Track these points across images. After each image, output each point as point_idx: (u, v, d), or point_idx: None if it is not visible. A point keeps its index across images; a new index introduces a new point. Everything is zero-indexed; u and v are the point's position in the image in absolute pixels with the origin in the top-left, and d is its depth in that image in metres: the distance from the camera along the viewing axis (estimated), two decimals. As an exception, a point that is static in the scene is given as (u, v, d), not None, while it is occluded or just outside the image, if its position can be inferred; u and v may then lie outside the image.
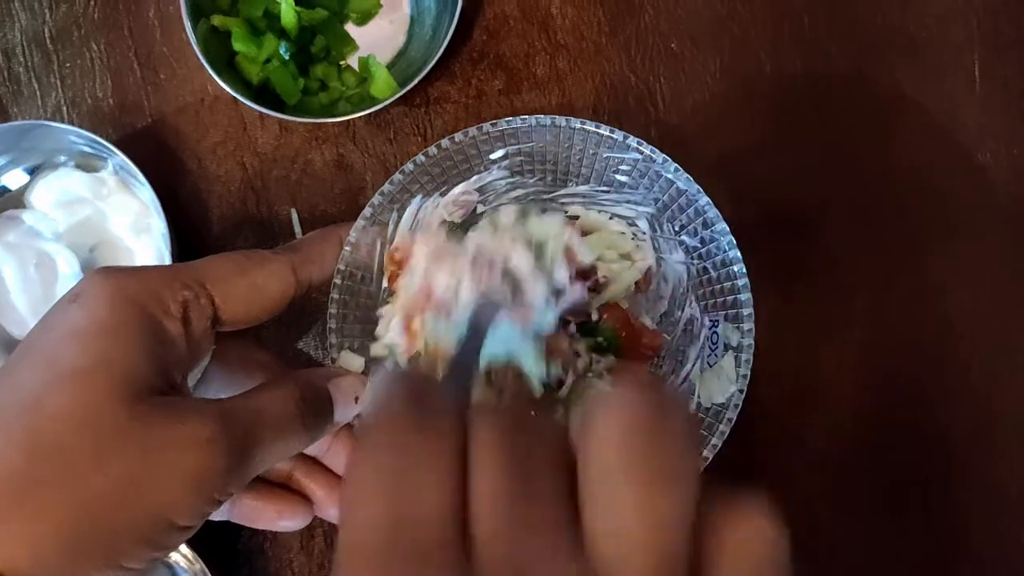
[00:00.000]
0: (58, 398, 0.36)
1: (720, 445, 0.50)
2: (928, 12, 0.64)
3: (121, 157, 0.56)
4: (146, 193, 0.57)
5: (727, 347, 0.51)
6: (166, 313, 0.41)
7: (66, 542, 0.35)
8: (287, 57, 0.60)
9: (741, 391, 0.50)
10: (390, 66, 0.62)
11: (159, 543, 0.37)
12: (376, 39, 0.63)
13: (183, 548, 0.58)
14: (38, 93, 0.63)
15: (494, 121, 0.50)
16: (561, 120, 0.50)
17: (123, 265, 0.59)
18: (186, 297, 0.42)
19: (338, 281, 0.50)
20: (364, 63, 0.61)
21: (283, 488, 0.50)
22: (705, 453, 0.50)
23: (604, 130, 0.50)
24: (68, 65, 0.63)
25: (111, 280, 0.40)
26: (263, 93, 0.60)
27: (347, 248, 0.50)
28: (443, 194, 0.53)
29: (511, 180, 0.54)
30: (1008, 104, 0.63)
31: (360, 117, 0.60)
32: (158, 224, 0.58)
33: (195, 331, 0.43)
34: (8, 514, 0.34)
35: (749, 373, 0.50)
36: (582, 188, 0.54)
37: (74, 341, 0.38)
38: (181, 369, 0.42)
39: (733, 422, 0.50)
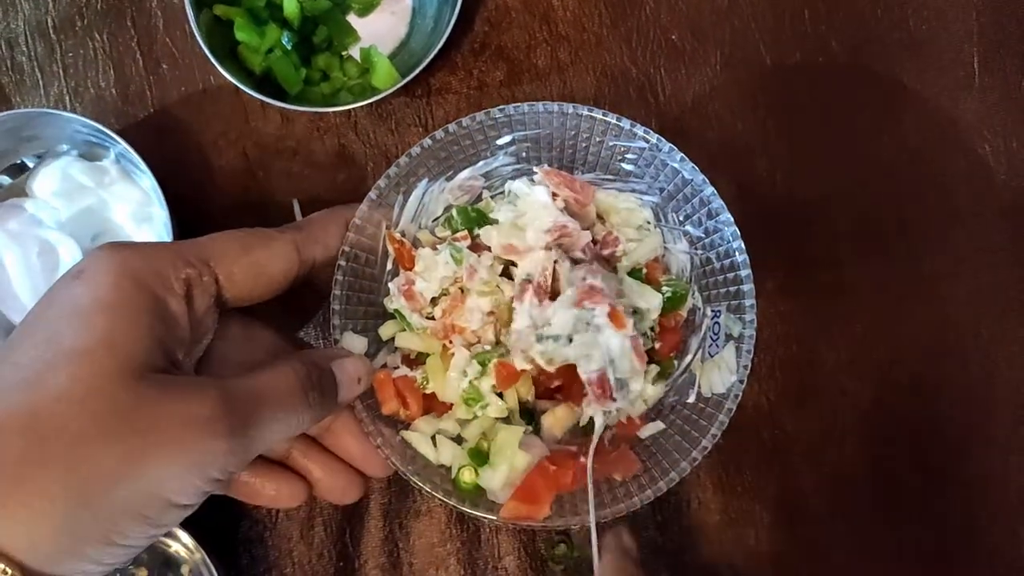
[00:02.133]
0: (59, 377, 0.36)
1: (719, 435, 0.50)
2: (928, 6, 0.64)
3: (123, 146, 0.56)
4: (148, 182, 0.57)
5: (728, 337, 0.51)
6: (169, 290, 0.41)
7: (63, 522, 0.35)
8: (289, 47, 0.60)
9: (742, 381, 0.50)
10: (391, 57, 0.62)
11: (157, 521, 0.37)
12: (378, 30, 0.63)
13: (184, 538, 0.58)
14: (41, 82, 0.63)
15: (502, 107, 0.50)
16: (568, 107, 0.50)
17: (127, 241, 0.59)
18: (189, 275, 0.42)
19: (342, 263, 0.50)
20: (366, 54, 0.61)
21: (280, 466, 0.50)
22: (704, 443, 0.50)
23: (611, 118, 0.50)
24: (71, 55, 0.63)
25: (115, 257, 0.40)
26: (265, 83, 0.61)
27: (352, 231, 0.50)
28: (449, 179, 0.53)
29: (517, 166, 0.54)
30: (1007, 98, 0.64)
31: (362, 107, 0.60)
32: (160, 213, 0.58)
33: (198, 309, 0.43)
34: (5, 493, 0.34)
35: (750, 363, 0.50)
36: (588, 176, 0.54)
37: (76, 319, 0.38)
38: (183, 347, 0.42)
39: (733, 412, 0.50)
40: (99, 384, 0.36)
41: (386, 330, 0.53)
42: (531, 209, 0.51)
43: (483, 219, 0.53)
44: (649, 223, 0.54)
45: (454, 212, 0.53)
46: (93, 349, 0.37)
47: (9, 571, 0.34)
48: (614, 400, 0.48)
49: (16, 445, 0.35)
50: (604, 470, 0.51)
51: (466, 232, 0.52)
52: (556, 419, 0.53)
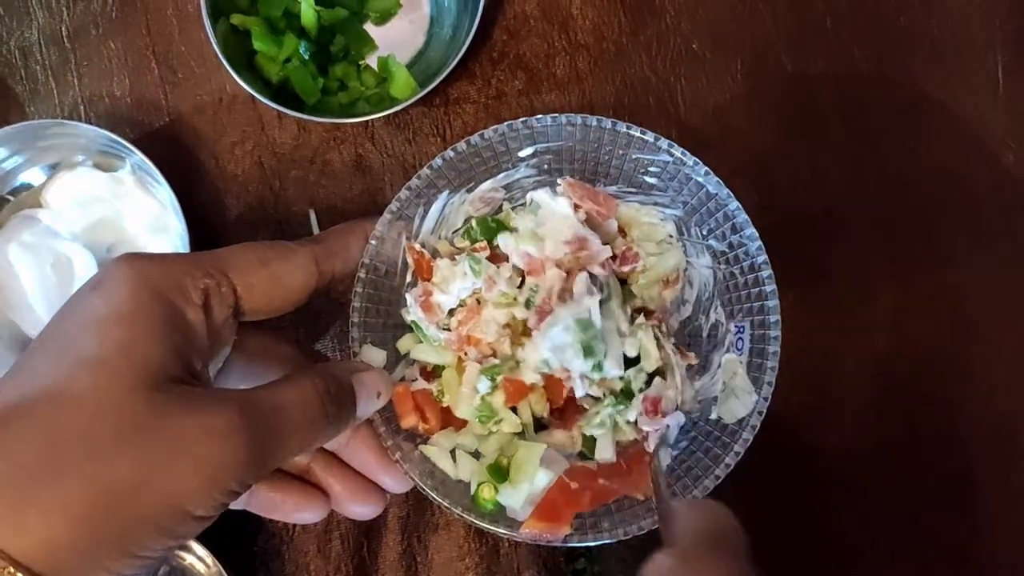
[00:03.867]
0: (77, 388, 0.36)
1: (742, 453, 0.49)
2: (951, 13, 0.63)
3: (139, 156, 0.56)
4: (164, 193, 0.57)
5: (751, 353, 0.50)
6: (187, 301, 0.41)
7: (82, 533, 0.34)
8: (306, 56, 0.59)
9: (766, 399, 0.49)
10: (409, 66, 0.62)
11: (175, 533, 0.37)
12: (396, 39, 0.62)
13: (200, 551, 0.58)
14: (55, 91, 0.62)
15: (524, 119, 0.50)
16: (592, 120, 0.50)
17: (144, 252, 0.58)
18: (208, 285, 0.42)
19: (362, 275, 0.50)
20: (383, 63, 0.61)
21: (300, 481, 0.50)
22: (727, 460, 0.49)
23: (635, 131, 0.50)
24: (85, 64, 0.63)
25: (132, 267, 0.40)
26: (282, 92, 0.60)
27: (372, 242, 0.50)
28: (470, 190, 0.53)
29: (538, 179, 0.53)
30: (1032, 106, 0.63)
31: (379, 118, 0.60)
32: (176, 224, 0.57)
33: (216, 319, 0.42)
34: (24, 504, 0.34)
35: (774, 381, 0.49)
36: (610, 189, 0.53)
37: (94, 330, 0.38)
38: (202, 358, 0.41)
39: (756, 429, 0.49)
40: (118, 394, 0.36)
41: (404, 343, 0.53)
42: (551, 219, 0.50)
43: (502, 229, 0.52)
44: (671, 237, 0.54)
45: (473, 223, 0.52)
46: (111, 359, 0.37)
47: None
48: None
49: (35, 455, 0.35)
50: (624, 489, 0.50)
51: (485, 243, 0.52)
52: (554, 444, 0.52)
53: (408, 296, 0.51)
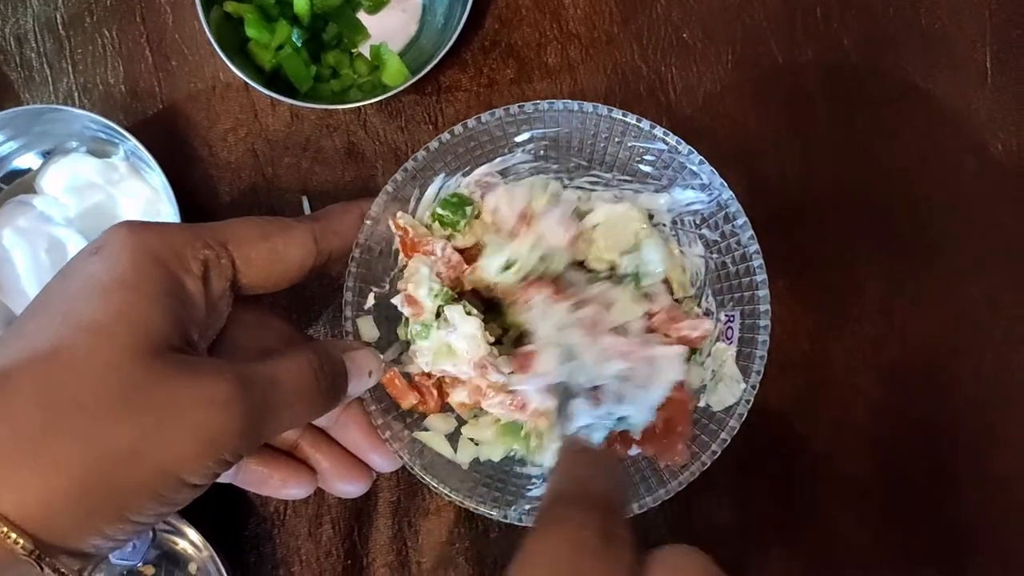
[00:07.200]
0: (76, 351, 0.36)
1: (729, 440, 0.50)
2: (941, 4, 0.63)
3: (133, 143, 0.56)
4: (157, 179, 0.57)
5: (740, 342, 0.51)
6: (187, 271, 0.41)
7: (78, 495, 0.35)
8: (299, 44, 0.59)
9: (754, 387, 0.50)
10: (402, 54, 0.62)
11: (168, 499, 0.38)
12: (388, 27, 0.63)
13: (192, 535, 0.58)
14: (50, 78, 0.63)
15: (521, 104, 0.50)
16: (588, 106, 0.50)
17: (145, 220, 0.59)
18: (207, 256, 0.42)
19: (356, 254, 0.50)
20: (376, 51, 0.61)
21: (288, 456, 0.50)
22: (714, 447, 0.50)
23: (631, 119, 0.50)
24: (80, 51, 0.63)
25: (134, 234, 0.40)
26: (274, 80, 0.60)
27: (368, 222, 0.50)
28: (466, 174, 0.53)
29: (534, 164, 0.54)
30: (1020, 97, 0.63)
31: (371, 105, 0.60)
32: (168, 210, 0.58)
33: (214, 291, 0.43)
34: (21, 466, 0.35)
35: (763, 370, 0.50)
36: (604, 176, 0.54)
37: (94, 294, 0.38)
38: (199, 328, 0.42)
39: (744, 417, 0.50)
40: (117, 360, 0.37)
41: (405, 330, 0.52)
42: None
43: (465, 203, 0.52)
44: (664, 225, 0.54)
45: (438, 208, 0.52)
46: (111, 325, 0.37)
47: (21, 541, 0.34)
48: None
49: (32, 417, 0.35)
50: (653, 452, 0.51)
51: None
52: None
53: (395, 301, 0.50)
